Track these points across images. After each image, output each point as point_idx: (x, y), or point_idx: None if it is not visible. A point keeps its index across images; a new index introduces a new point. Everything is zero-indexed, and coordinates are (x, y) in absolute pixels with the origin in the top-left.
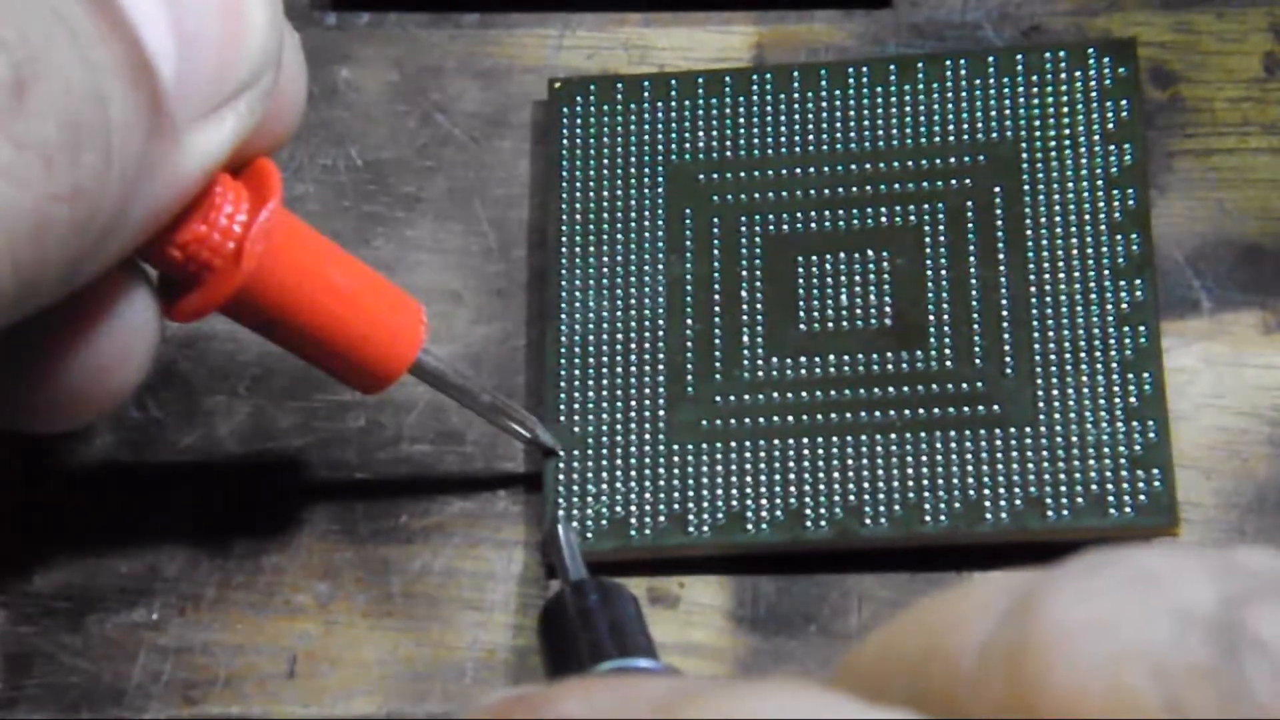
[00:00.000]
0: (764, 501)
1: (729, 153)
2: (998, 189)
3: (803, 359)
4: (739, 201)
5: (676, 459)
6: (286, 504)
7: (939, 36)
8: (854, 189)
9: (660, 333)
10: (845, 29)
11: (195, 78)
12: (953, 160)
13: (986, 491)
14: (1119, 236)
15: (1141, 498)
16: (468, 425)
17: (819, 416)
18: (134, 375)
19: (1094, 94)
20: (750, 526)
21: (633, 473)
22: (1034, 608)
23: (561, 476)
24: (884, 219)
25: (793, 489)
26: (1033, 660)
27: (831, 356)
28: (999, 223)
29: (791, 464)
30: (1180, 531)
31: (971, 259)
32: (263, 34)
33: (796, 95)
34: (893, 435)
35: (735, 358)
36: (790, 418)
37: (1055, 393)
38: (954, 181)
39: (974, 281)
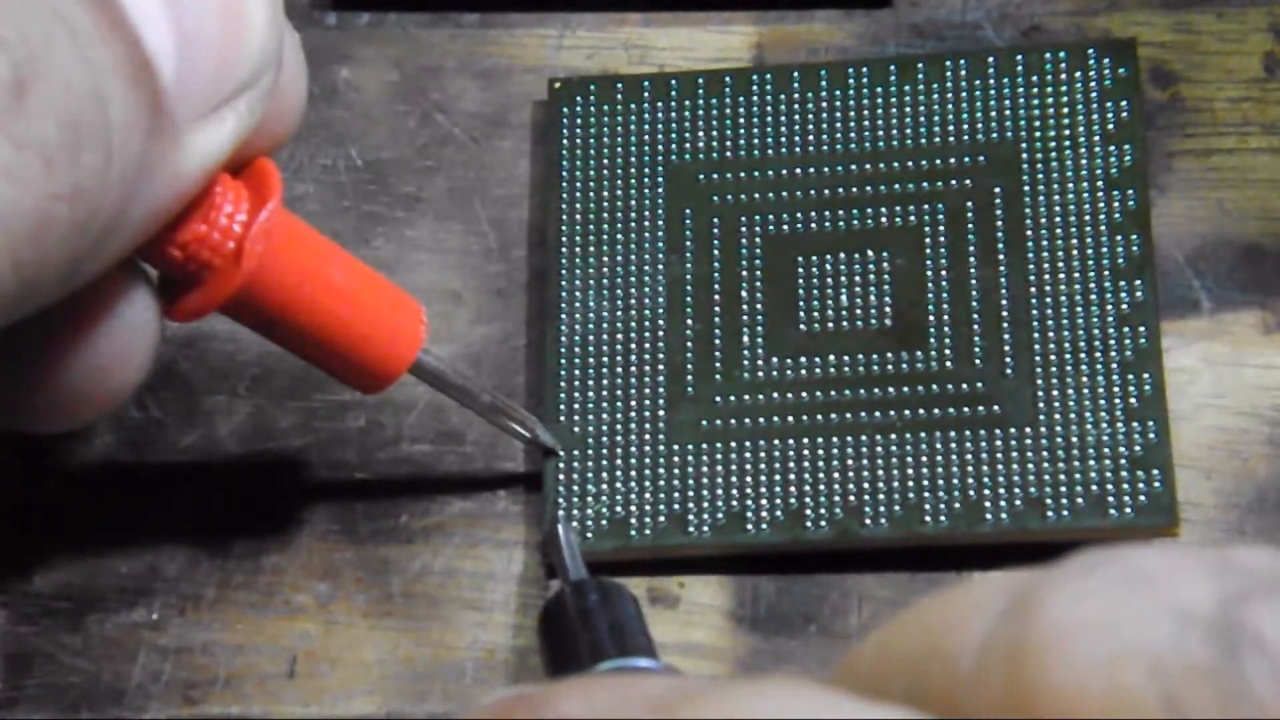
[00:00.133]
0: (764, 501)
1: (729, 153)
2: (998, 189)
3: (803, 359)
4: (739, 201)
5: (676, 459)
6: (286, 504)
7: (939, 36)
8: (854, 189)
9: (660, 333)
10: (845, 29)
11: (195, 77)
12: (953, 160)
13: (986, 492)
14: (1119, 237)
15: (1142, 498)
16: (468, 425)
17: (819, 417)
18: (134, 375)
19: (1094, 94)
20: (750, 526)
21: (633, 473)
22: (1033, 607)
23: (561, 476)
24: (884, 219)
25: (793, 489)
26: (1032, 660)
27: (831, 357)
28: (999, 223)
29: (791, 464)
30: (1180, 532)
31: (971, 259)
32: (263, 34)
33: (796, 95)
34: (893, 435)
35: (735, 358)
36: (790, 418)
37: (1055, 393)
38: (954, 182)
39: (974, 282)
